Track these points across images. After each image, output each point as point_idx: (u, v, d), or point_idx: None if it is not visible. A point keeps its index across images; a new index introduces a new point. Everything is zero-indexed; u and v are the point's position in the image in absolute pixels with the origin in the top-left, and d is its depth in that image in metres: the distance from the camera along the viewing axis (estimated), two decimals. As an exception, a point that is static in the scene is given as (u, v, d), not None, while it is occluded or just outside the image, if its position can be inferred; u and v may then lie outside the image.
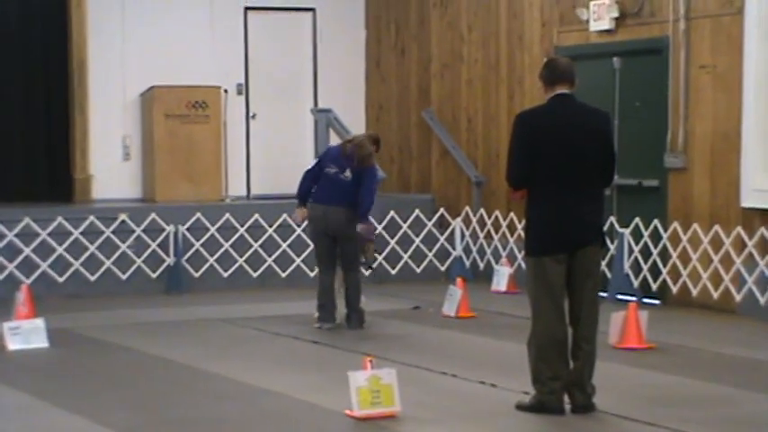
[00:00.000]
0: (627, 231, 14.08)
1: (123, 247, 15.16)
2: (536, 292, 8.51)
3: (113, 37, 17.05)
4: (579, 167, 8.44)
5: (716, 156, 13.46)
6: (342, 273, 12.33)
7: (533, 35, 15.76)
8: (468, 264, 16.42)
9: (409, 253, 16.34)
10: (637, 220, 14.05)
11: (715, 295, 13.28)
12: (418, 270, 16.33)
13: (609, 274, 14.02)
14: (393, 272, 16.07)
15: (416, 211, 16.52)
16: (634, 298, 13.42)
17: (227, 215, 15.67)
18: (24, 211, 15.02)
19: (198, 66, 17.28)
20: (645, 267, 14.00)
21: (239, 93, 17.71)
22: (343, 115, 17.12)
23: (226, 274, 15.59)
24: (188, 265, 15.41)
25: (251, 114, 17.85)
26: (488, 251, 16.10)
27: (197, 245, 15.48)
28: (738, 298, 13.07)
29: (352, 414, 8.40)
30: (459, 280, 13.43)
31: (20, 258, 14.68)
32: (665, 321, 12.48)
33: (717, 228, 13.24)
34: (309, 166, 12.52)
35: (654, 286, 13.96)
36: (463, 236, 16.49)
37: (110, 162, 17.04)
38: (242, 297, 14.84)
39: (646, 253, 13.98)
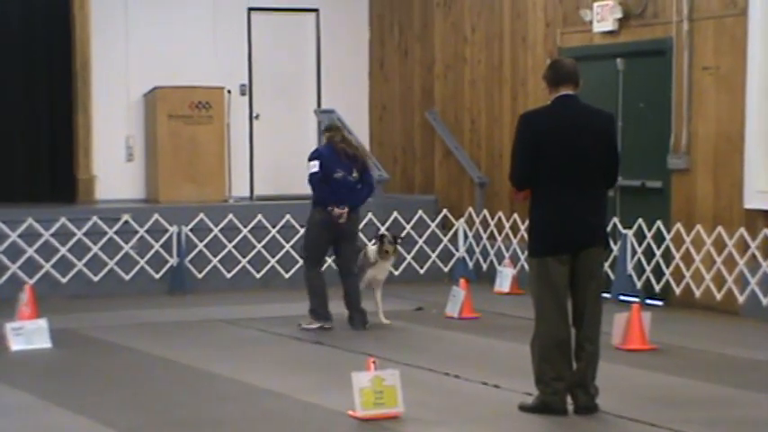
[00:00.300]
0: (630, 232, 14.08)
1: (126, 247, 15.17)
2: (539, 293, 8.51)
3: (117, 37, 17.06)
4: (583, 168, 8.44)
5: (719, 157, 13.45)
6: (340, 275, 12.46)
7: (537, 36, 15.75)
8: (471, 265, 16.42)
9: (412, 254, 16.34)
10: (640, 221, 14.04)
11: (718, 296, 13.27)
12: (421, 271, 16.34)
13: (612, 275, 14.01)
14: (396, 273, 16.05)
15: (419, 212, 16.52)
16: (637, 299, 13.41)
17: (231, 216, 15.68)
18: (27, 211, 15.03)
19: (201, 66, 17.28)
20: (648, 268, 14.00)
21: (242, 93, 17.71)
22: (346, 116, 17.12)
23: (229, 275, 15.59)
24: (191, 265, 15.42)
25: (254, 115, 17.85)
26: (491, 252, 16.10)
27: (200, 246, 15.49)
28: (741, 299, 13.06)
29: (355, 415, 8.40)
30: (462, 281, 13.44)
31: (23, 259, 14.69)
32: (668, 322, 12.48)
33: (720, 229, 13.23)
34: (315, 171, 12.38)
35: (657, 287, 13.95)
36: (466, 237, 16.49)
37: (113, 163, 17.05)
38: (245, 298, 14.84)
39: (649, 254, 13.98)
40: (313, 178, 12.36)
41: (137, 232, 15.25)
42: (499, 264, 15.61)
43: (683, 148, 13.79)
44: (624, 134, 13.68)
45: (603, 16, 14.54)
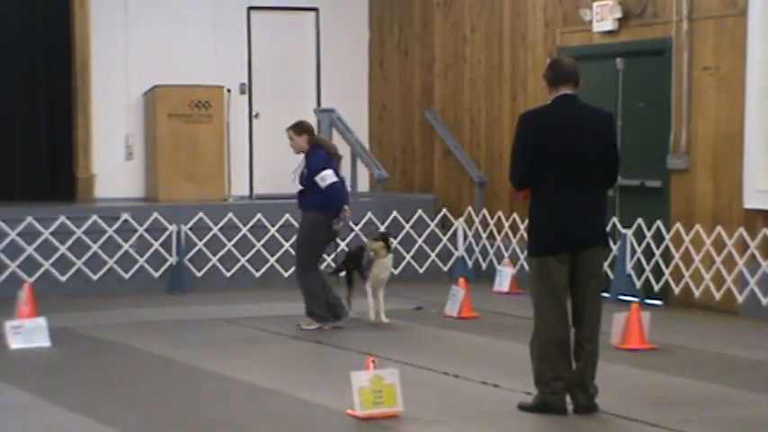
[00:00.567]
0: (629, 232, 14.08)
1: (126, 246, 15.17)
2: (539, 293, 8.51)
3: (116, 36, 17.06)
4: (583, 168, 8.44)
5: (719, 157, 13.45)
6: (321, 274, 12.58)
7: (536, 36, 15.75)
8: (470, 264, 16.42)
9: (412, 253, 16.34)
10: (639, 220, 14.04)
11: (717, 296, 13.27)
12: (421, 270, 16.34)
13: (611, 275, 14.01)
14: (396, 272, 16.04)
15: (419, 212, 16.52)
16: (636, 299, 13.41)
17: (230, 215, 15.68)
18: (27, 210, 15.03)
19: (201, 65, 17.28)
20: (647, 268, 14.00)
21: (242, 92, 17.71)
22: (345, 115, 17.13)
23: (228, 274, 15.59)
24: (190, 264, 15.42)
25: (254, 114, 17.85)
26: (491, 251, 16.10)
27: (199, 244, 15.49)
28: (741, 299, 13.07)
29: (354, 414, 8.40)
30: (461, 280, 13.44)
31: (22, 257, 14.69)
32: (668, 322, 12.48)
33: (719, 229, 13.23)
34: (335, 180, 12.30)
35: (656, 287, 13.95)
36: (466, 236, 16.49)
37: (112, 161, 17.05)
38: (244, 297, 14.84)
39: (648, 254, 13.98)
40: (332, 187, 12.26)
41: (136, 231, 15.26)
42: (498, 263, 15.61)
43: (682, 148, 13.80)
44: (624, 134, 13.68)
45: (603, 16, 14.54)
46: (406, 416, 8.41)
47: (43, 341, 11.30)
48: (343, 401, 8.60)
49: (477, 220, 16.39)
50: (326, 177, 12.25)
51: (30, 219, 14.78)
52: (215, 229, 15.57)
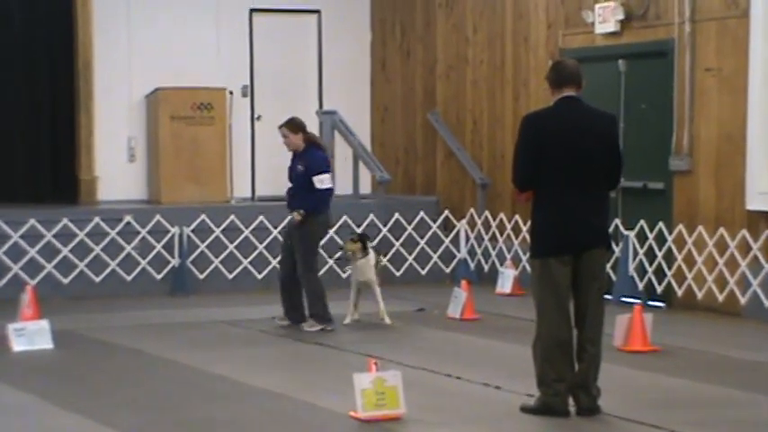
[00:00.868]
0: (632, 234, 14.08)
1: (128, 248, 15.17)
2: (541, 294, 8.51)
3: (119, 38, 17.07)
4: (585, 170, 8.44)
5: (721, 158, 13.45)
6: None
7: (539, 37, 15.75)
8: (472, 266, 16.42)
9: (414, 255, 16.34)
10: (642, 222, 14.04)
11: (720, 298, 13.27)
12: (423, 272, 16.33)
13: (614, 277, 14.00)
14: (398, 274, 16.07)
15: (421, 213, 16.51)
16: (639, 300, 13.41)
17: (232, 217, 15.68)
18: (29, 212, 15.03)
19: (203, 67, 17.29)
20: (650, 270, 13.99)
21: (244, 94, 17.71)
22: (348, 117, 17.13)
23: (230, 276, 15.59)
24: (193, 266, 15.42)
25: (256, 116, 17.85)
26: (493, 253, 16.09)
27: (202, 246, 15.49)
28: (743, 301, 13.06)
29: (356, 416, 8.40)
30: (463, 282, 13.44)
31: (25, 259, 14.70)
32: (670, 324, 12.47)
33: (722, 230, 13.22)
34: (331, 186, 12.45)
35: (659, 289, 13.95)
36: (468, 238, 16.49)
37: (115, 163, 17.05)
38: (247, 299, 14.84)
39: (650, 255, 13.97)
40: (327, 192, 12.35)
41: (138, 233, 15.26)
42: (501, 265, 15.61)
43: (684, 150, 13.79)
44: (626, 135, 13.67)
45: (605, 17, 14.54)
46: (408, 418, 8.42)
47: (46, 343, 11.31)
48: (345, 403, 8.60)
49: (479, 222, 16.38)
50: (325, 181, 12.29)
51: (32, 221, 14.78)
52: (217, 231, 15.57)
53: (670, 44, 13.89)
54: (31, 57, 16.88)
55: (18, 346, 11.22)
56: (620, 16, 14.37)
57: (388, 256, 15.64)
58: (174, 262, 15.37)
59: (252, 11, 17.82)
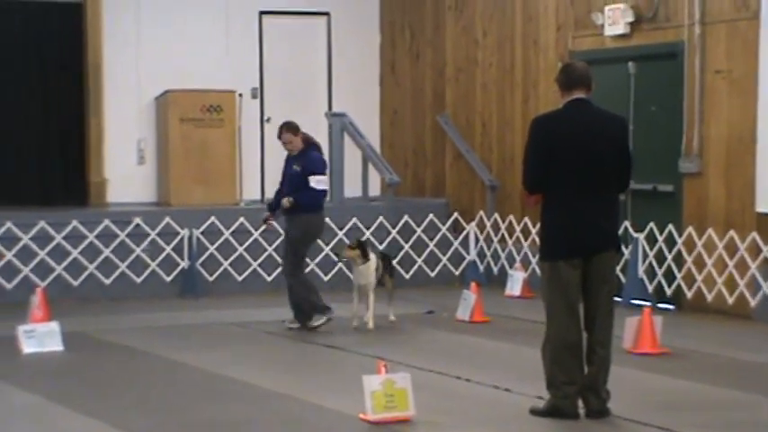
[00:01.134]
0: (641, 236, 14.06)
1: (138, 250, 15.19)
2: (551, 297, 8.50)
3: (128, 41, 17.09)
4: (596, 173, 8.43)
5: (731, 160, 13.43)
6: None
7: (548, 39, 15.74)
8: (482, 268, 16.41)
9: (423, 257, 16.33)
10: (651, 224, 14.02)
11: (730, 300, 13.25)
12: (432, 274, 16.33)
13: (623, 279, 13.99)
14: (407, 276, 16.06)
15: (430, 216, 16.51)
16: (648, 303, 13.37)
17: (242, 219, 15.68)
18: (39, 214, 15.05)
19: (213, 70, 17.29)
20: (659, 272, 13.97)
21: (254, 97, 17.72)
22: (357, 119, 17.13)
23: (240, 278, 15.60)
24: (202, 268, 15.43)
25: (266, 118, 17.86)
26: (502, 256, 16.08)
27: (211, 248, 15.50)
28: (753, 303, 13.04)
29: (366, 418, 8.40)
30: (473, 284, 13.44)
31: (35, 261, 14.72)
32: (680, 326, 12.45)
33: (732, 233, 13.21)
34: (326, 187, 12.71)
35: (668, 291, 13.93)
36: (477, 240, 16.48)
37: (124, 166, 17.07)
38: (256, 301, 14.84)
39: (660, 258, 13.96)
40: (321, 193, 12.45)
41: (148, 235, 15.27)
42: (510, 267, 15.60)
43: (694, 152, 13.77)
44: (636, 138, 13.64)
45: (615, 20, 14.53)
46: (417, 420, 8.42)
47: (56, 345, 11.32)
48: (355, 405, 8.60)
49: (488, 224, 16.37)
50: (321, 182, 12.40)
51: (42, 223, 14.80)
52: (227, 234, 15.58)
53: (680, 46, 13.88)
54: (42, 59, 16.90)
55: (28, 347, 11.24)
56: (630, 18, 14.35)
57: (397, 258, 15.63)
58: (184, 264, 15.38)
59: (261, 13, 17.83)
